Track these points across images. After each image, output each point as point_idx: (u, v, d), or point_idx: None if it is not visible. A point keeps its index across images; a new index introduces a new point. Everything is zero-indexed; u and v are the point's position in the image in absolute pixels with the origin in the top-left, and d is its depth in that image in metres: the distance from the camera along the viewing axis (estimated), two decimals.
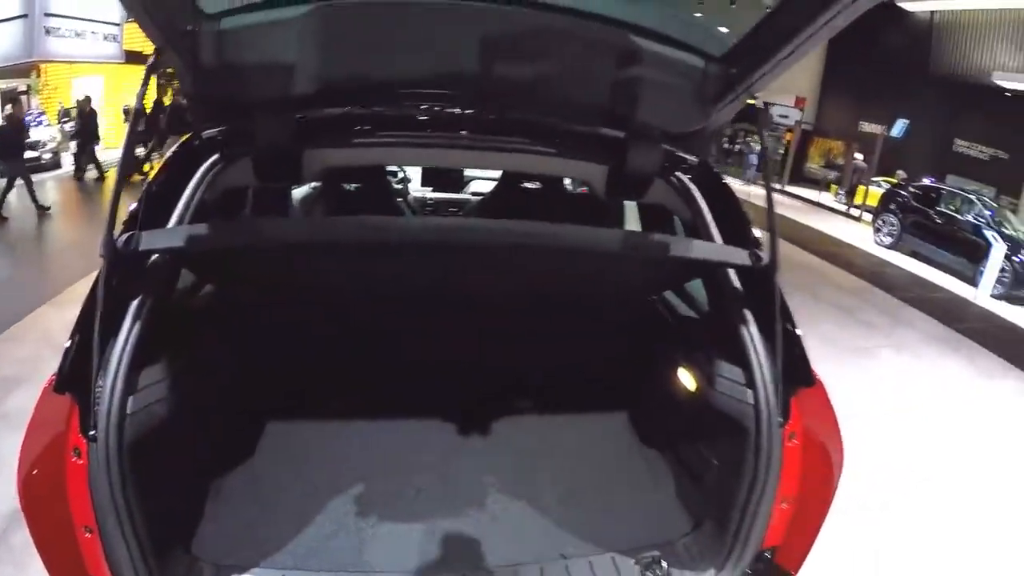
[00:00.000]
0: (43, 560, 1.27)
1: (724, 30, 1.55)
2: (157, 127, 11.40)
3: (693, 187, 1.73)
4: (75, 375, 1.25)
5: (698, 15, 1.72)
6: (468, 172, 5.06)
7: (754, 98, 1.55)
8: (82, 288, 1.60)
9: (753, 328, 1.52)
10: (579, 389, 2.29)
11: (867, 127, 17.27)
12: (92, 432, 1.20)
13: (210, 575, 1.49)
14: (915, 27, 16.59)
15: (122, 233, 1.27)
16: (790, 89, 17.22)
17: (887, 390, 4.78)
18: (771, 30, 1.33)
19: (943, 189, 10.99)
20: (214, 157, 1.54)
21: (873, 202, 12.85)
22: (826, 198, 16.26)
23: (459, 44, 1.48)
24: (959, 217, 10.01)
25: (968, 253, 9.42)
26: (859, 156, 15.70)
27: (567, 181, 3.68)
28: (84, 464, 1.21)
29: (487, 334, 2.14)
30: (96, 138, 11.51)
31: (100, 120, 11.83)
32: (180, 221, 1.41)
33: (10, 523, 2.43)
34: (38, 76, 15.01)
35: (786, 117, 17.80)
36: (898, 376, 5.15)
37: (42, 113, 14.37)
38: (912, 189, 11.38)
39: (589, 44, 1.52)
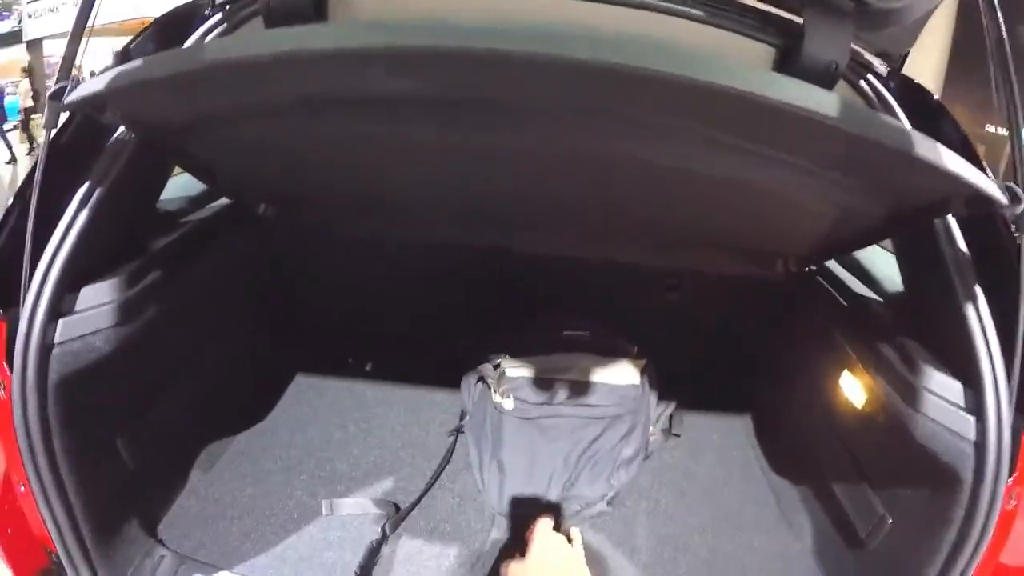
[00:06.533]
0: None
1: None
2: None
3: (891, 98, 1.18)
4: (2, 279, 0.95)
5: None
6: None
7: None
8: None
9: (988, 321, 0.96)
10: (689, 380, 1.73)
11: (992, 130, 15.79)
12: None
13: (170, 568, 1.18)
14: None
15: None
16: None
17: None
18: None
19: None
20: (216, 20, 1.19)
21: None
22: None
23: None
24: None
25: None
26: None
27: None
28: (7, 402, 0.94)
29: (570, 285, 1.65)
30: None
31: None
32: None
33: None
34: None
35: None
36: None
37: None
38: None
39: None
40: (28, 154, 11.11)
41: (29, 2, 14.15)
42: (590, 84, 0.79)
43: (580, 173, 1.17)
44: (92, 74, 0.90)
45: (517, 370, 1.60)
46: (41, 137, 0.99)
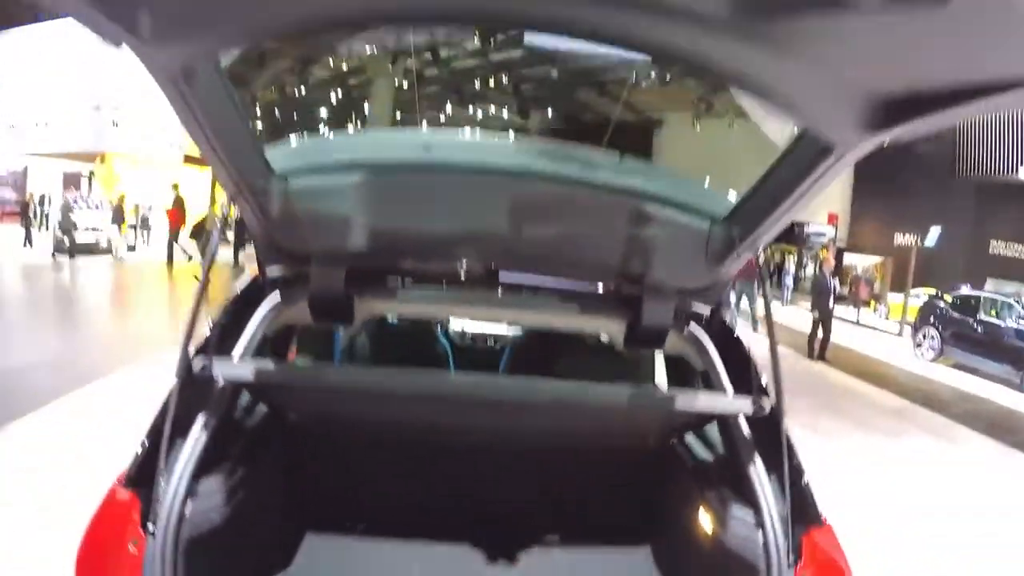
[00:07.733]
0: None
1: (730, 194, 1.66)
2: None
3: (705, 338, 1.87)
4: (142, 474, 1.43)
5: (701, 181, 1.88)
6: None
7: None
8: None
9: (761, 470, 1.62)
10: (606, 526, 2.37)
11: (901, 238, 16.99)
12: (152, 528, 1.37)
13: None
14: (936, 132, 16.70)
15: (194, 357, 1.49)
16: (821, 205, 17.30)
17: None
18: (767, 190, 1.43)
19: (980, 296, 10.79)
20: (276, 299, 1.77)
21: (912, 316, 12.52)
22: (864, 315, 15.95)
23: (490, 212, 1.66)
24: (1000, 324, 9.84)
25: (1013, 360, 9.30)
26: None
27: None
28: (139, 556, 1.35)
29: (515, 476, 2.27)
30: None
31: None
32: (244, 353, 1.67)
33: None
34: (101, 162, 16.20)
35: (821, 235, 17.77)
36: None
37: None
38: (948, 299, 11.23)
39: (604, 212, 1.67)
40: None
41: None
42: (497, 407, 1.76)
43: (518, 415, 1.91)
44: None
45: None
46: None
